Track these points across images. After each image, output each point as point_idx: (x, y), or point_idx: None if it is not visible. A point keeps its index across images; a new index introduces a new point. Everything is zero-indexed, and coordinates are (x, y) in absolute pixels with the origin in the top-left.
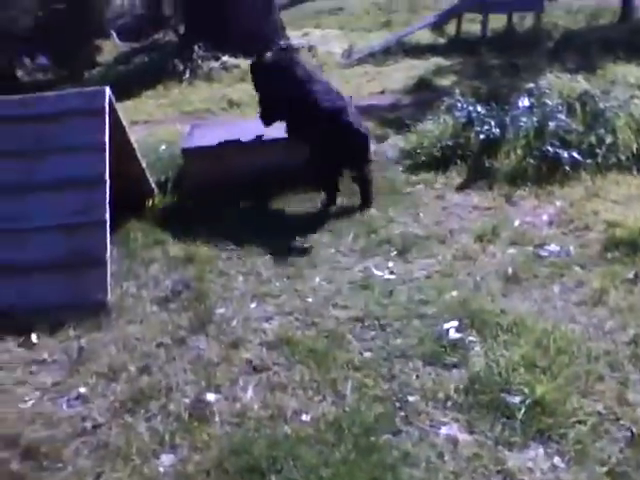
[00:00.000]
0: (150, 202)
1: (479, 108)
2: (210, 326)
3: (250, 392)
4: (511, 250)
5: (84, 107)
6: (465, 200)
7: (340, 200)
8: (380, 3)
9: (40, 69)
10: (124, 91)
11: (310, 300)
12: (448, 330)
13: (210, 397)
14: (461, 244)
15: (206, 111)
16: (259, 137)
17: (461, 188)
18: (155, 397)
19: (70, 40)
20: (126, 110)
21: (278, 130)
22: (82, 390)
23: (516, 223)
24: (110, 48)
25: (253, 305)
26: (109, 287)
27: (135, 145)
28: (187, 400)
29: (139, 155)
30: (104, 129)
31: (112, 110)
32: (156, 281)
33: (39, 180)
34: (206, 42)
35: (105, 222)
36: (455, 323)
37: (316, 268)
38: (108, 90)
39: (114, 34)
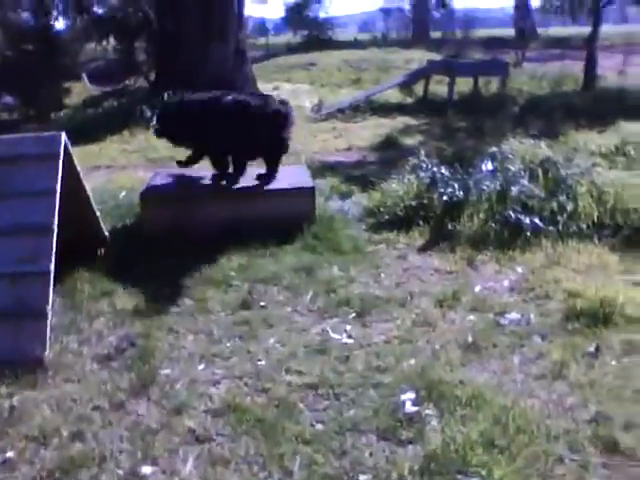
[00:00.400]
0: (102, 251)
1: (443, 170)
2: (152, 388)
3: (190, 465)
4: (471, 317)
5: (38, 152)
6: (427, 262)
7: (299, 258)
8: (351, 61)
9: (5, 108)
10: (90, 134)
11: (262, 363)
12: (405, 402)
13: (146, 469)
14: (421, 308)
15: (171, 159)
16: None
17: (423, 249)
18: (86, 466)
19: (38, 81)
20: (90, 154)
21: (242, 184)
22: (9, 455)
23: (477, 288)
24: (80, 91)
25: (201, 367)
26: (48, 342)
27: (90, 192)
28: (120, 472)
29: (93, 202)
30: (56, 175)
31: (67, 155)
32: (99, 336)
33: None
34: (176, 90)
35: (49, 272)
36: (412, 395)
37: (271, 328)
38: (64, 136)
39: (85, 77)
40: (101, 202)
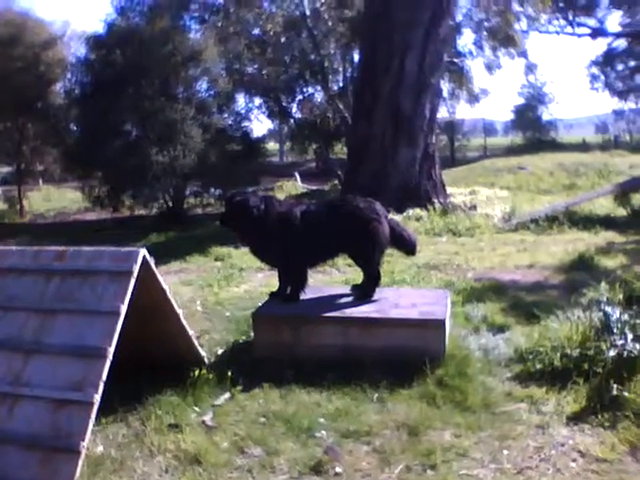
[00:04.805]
0: (196, 372)
1: (617, 312)
2: None
3: None
4: None
5: (112, 268)
6: (573, 439)
7: (409, 410)
8: (566, 165)
9: (205, 204)
10: None
11: None
12: None
13: None
14: None
15: (332, 265)
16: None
17: (574, 419)
18: None
19: (236, 178)
20: None
21: (362, 309)
22: None
23: None
24: (290, 188)
25: None
26: None
27: (180, 310)
28: None
29: (184, 320)
30: (124, 296)
31: (148, 272)
32: None
33: (45, 342)
34: (362, 192)
35: (93, 404)
36: None
37: None
38: (143, 252)
39: (297, 176)
40: (241, 309)
